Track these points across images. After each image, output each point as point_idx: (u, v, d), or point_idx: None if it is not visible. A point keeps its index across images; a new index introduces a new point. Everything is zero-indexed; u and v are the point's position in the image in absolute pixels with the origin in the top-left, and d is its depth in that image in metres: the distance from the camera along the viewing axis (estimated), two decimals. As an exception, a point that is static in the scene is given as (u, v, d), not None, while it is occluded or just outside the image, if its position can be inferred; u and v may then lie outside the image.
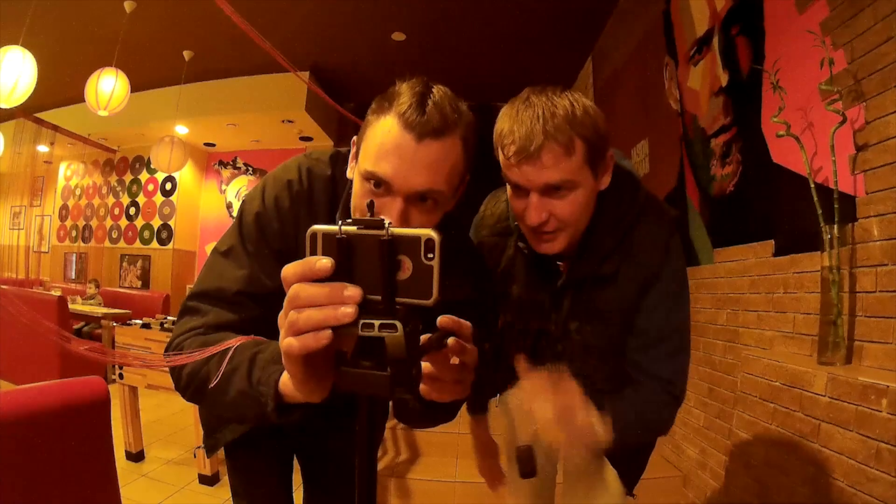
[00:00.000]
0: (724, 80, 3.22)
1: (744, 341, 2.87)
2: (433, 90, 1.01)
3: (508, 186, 1.26)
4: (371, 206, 0.69)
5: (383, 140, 0.98)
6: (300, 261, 0.63)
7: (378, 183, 1.00)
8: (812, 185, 2.20)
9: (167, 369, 1.08)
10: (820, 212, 2.13)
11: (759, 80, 2.78)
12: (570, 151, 1.13)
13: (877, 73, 2.01)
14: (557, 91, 1.19)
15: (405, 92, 1.00)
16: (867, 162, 2.06)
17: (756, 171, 2.88)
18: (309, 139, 8.48)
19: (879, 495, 1.62)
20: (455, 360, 0.79)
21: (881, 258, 1.97)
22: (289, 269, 0.63)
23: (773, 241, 2.68)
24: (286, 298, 0.63)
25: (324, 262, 0.61)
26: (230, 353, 0.95)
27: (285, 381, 0.80)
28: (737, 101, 3.10)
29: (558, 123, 1.12)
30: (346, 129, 8.23)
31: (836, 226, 2.08)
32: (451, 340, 0.74)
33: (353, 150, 1.13)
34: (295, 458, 1.60)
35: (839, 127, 2.12)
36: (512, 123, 1.16)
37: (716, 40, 3.33)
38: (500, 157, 1.21)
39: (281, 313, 0.65)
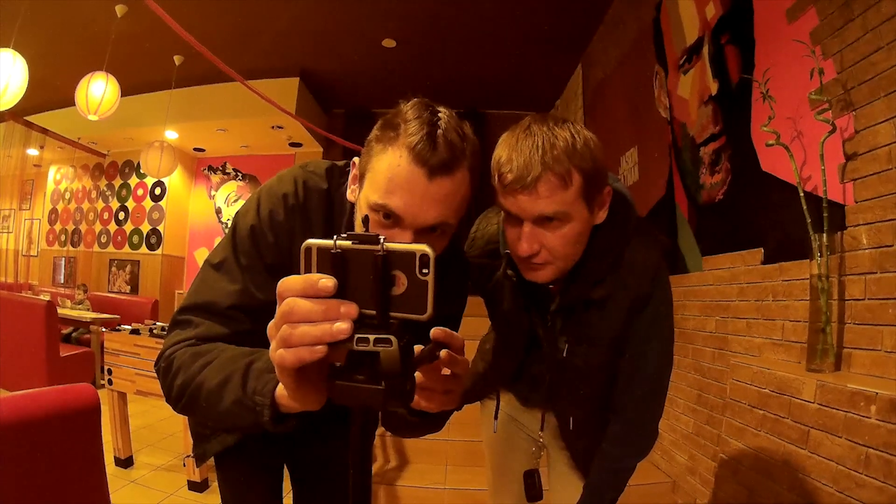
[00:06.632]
0: (713, 88, 3.24)
1: (733, 348, 2.88)
2: (440, 116, 0.99)
3: (502, 213, 1.24)
4: (366, 220, 0.69)
5: (393, 173, 0.95)
6: (301, 276, 0.62)
7: (387, 215, 0.97)
8: (801, 194, 2.21)
9: (156, 376, 1.08)
10: (809, 220, 2.14)
11: (749, 89, 2.80)
12: (566, 183, 1.12)
13: (866, 83, 2.03)
14: (559, 121, 1.17)
15: (412, 120, 0.97)
16: (856, 171, 2.08)
17: (745, 180, 2.90)
18: (298, 145, 8.49)
19: (868, 500, 1.63)
20: (446, 372, 0.79)
21: (870, 266, 1.99)
22: (287, 284, 0.62)
23: (762, 249, 2.70)
24: (279, 311, 0.62)
25: (326, 283, 0.60)
26: (224, 361, 0.94)
27: (281, 390, 0.78)
28: (726, 109, 3.12)
29: (557, 155, 1.10)
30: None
31: (825, 234, 2.09)
32: (443, 352, 0.75)
33: (353, 172, 1.12)
34: (284, 465, 1.59)
35: (828, 136, 2.14)
36: (511, 152, 1.14)
37: (706, 49, 3.36)
38: (497, 184, 1.18)
39: (271, 324, 0.64)
